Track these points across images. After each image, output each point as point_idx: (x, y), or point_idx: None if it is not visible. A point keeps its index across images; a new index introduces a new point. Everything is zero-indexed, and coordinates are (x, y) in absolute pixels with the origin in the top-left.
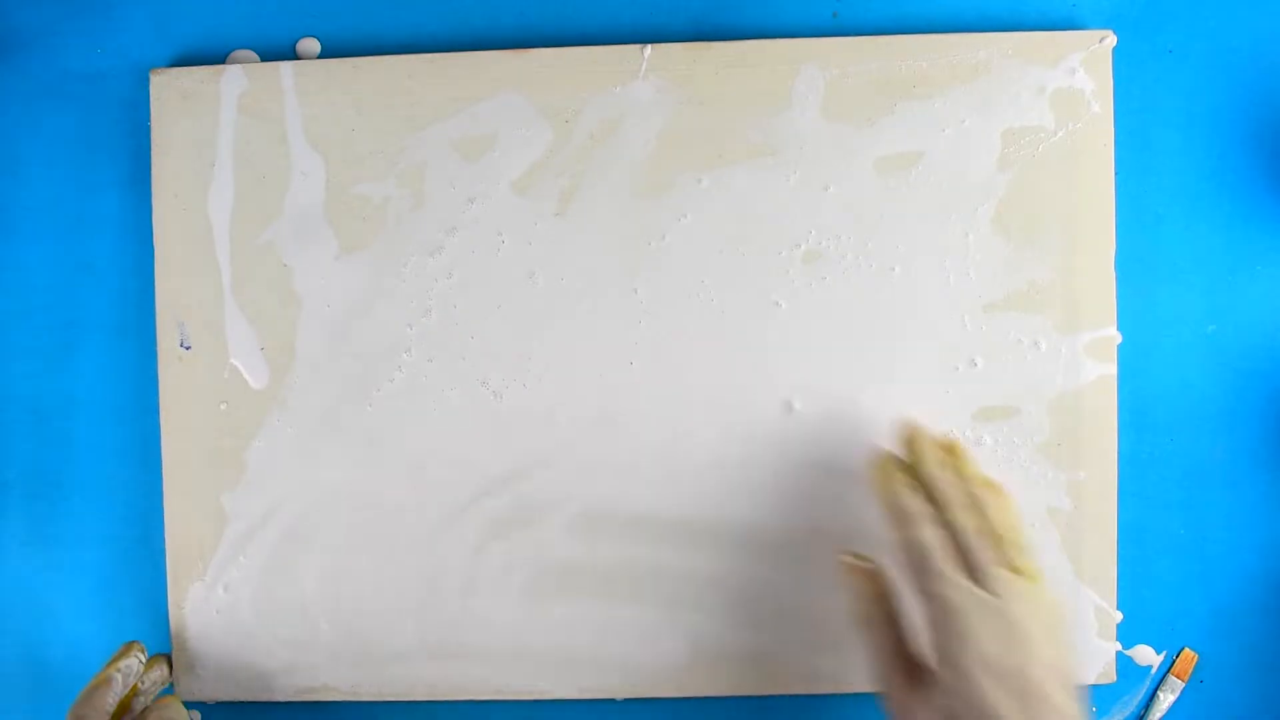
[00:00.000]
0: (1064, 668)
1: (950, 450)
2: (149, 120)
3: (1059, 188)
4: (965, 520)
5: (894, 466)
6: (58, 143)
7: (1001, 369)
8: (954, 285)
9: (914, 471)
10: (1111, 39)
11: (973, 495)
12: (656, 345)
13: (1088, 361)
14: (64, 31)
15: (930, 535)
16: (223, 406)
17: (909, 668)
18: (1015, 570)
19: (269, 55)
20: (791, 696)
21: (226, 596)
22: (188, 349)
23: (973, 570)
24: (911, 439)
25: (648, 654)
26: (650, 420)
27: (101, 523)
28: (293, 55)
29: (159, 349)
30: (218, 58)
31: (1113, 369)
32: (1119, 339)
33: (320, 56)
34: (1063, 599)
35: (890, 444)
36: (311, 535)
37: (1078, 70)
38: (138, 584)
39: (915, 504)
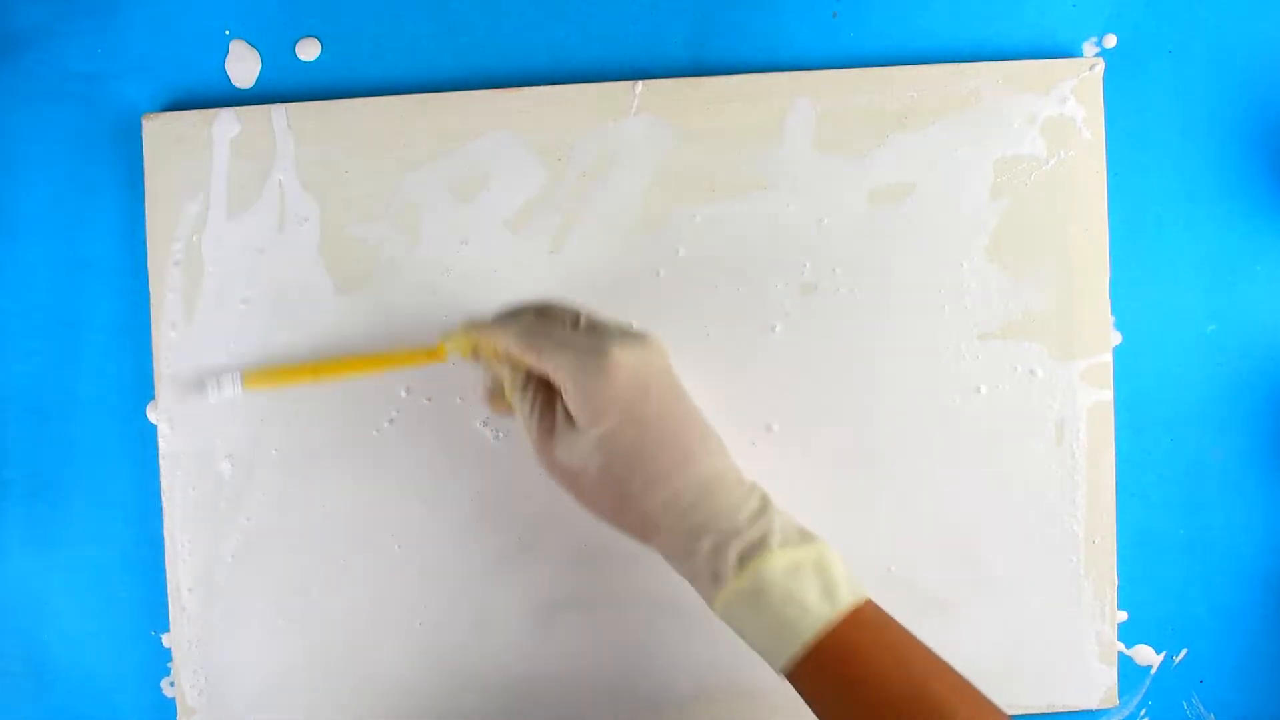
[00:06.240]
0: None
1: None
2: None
3: (1052, 216)
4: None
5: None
6: (58, 143)
7: (999, 397)
8: (950, 315)
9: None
10: (1101, 65)
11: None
12: None
13: (1084, 388)
14: (64, 31)
15: (532, 318)
16: (220, 442)
17: (554, 427)
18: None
19: (269, 55)
20: None
21: (228, 629)
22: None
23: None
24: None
25: (653, 686)
26: None
27: (101, 523)
28: (293, 56)
29: (156, 388)
30: (218, 56)
31: (1109, 395)
32: (1112, 365)
33: (320, 57)
34: (666, 351)
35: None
36: (311, 569)
37: (1069, 98)
38: (138, 584)
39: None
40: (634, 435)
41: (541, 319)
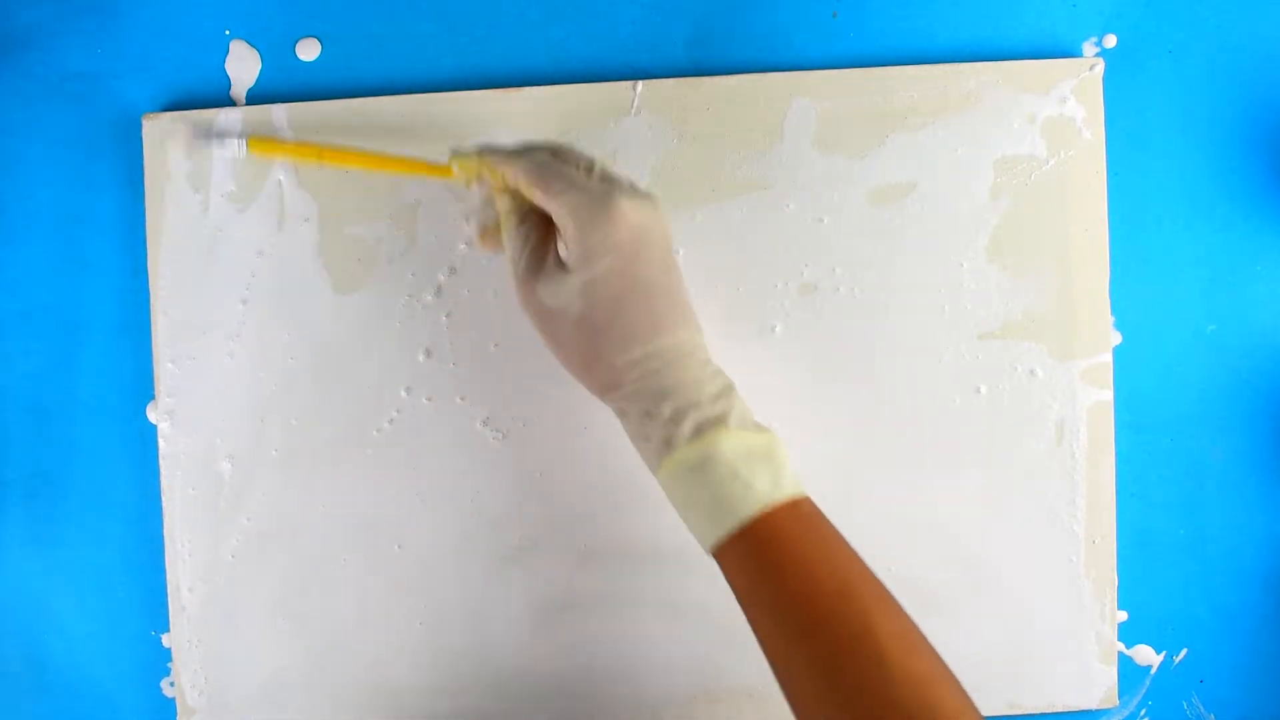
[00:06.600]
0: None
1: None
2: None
3: (1052, 216)
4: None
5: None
6: (58, 143)
7: (999, 397)
8: (950, 315)
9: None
10: (1101, 65)
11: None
12: None
13: (1084, 388)
14: (64, 31)
15: (547, 155)
16: (220, 442)
17: (543, 266)
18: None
19: (269, 55)
20: None
21: (228, 629)
22: None
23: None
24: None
25: (653, 686)
26: None
27: (101, 523)
28: (293, 56)
29: (156, 388)
30: (218, 56)
31: (1109, 394)
32: (1112, 365)
33: (320, 57)
34: (665, 219)
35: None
36: (311, 569)
37: (1068, 98)
38: (138, 584)
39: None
40: (620, 289)
41: (556, 159)
